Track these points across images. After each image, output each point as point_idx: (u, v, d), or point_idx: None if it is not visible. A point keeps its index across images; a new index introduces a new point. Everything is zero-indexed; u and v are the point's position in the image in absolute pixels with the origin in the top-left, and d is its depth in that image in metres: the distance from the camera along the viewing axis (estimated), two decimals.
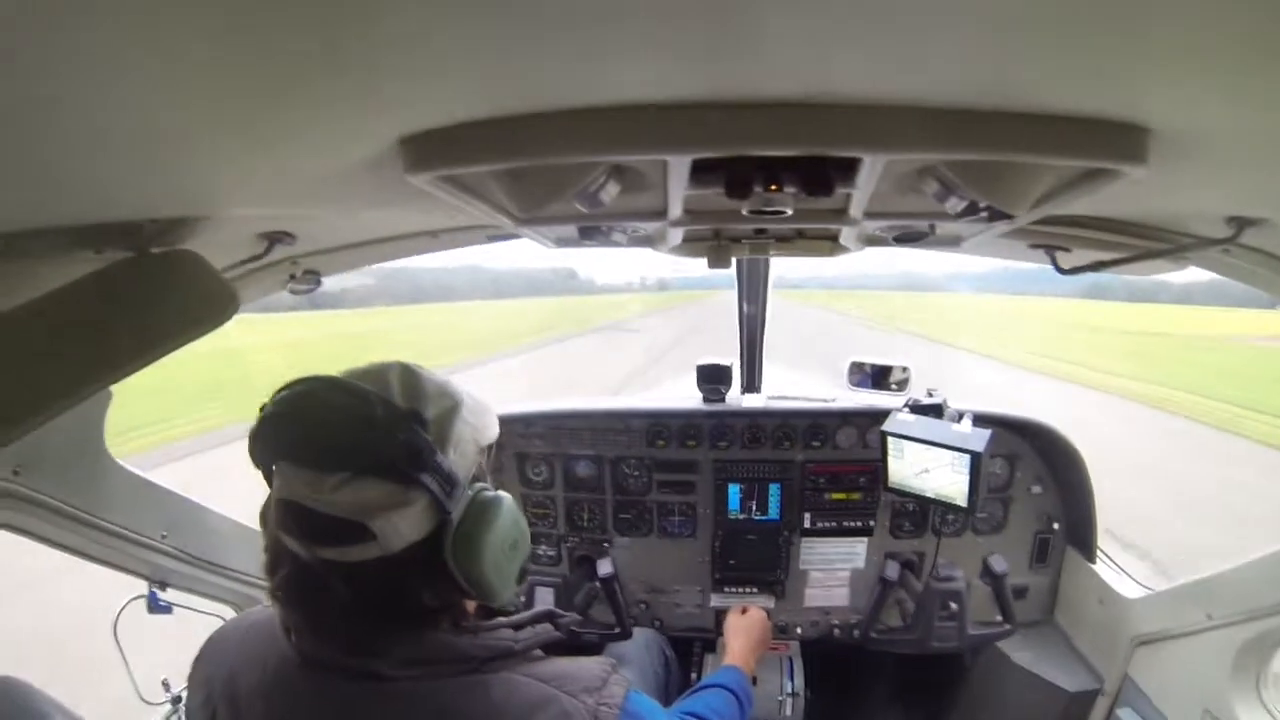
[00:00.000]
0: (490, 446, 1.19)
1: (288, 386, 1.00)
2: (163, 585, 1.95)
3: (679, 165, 1.03)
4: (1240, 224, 1.28)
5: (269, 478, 1.04)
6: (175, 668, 1.67)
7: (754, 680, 2.04)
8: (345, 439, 0.95)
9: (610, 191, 1.10)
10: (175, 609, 2.00)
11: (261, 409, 0.99)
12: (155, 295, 1.19)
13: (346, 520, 0.94)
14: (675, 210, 1.34)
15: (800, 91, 0.81)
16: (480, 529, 1.03)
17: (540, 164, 0.97)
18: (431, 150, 0.93)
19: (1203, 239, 1.42)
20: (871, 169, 1.03)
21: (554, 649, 1.18)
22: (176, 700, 1.97)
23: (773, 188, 1.06)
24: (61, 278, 1.12)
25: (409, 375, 1.07)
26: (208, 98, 0.71)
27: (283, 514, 0.98)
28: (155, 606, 1.94)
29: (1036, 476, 2.84)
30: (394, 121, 0.88)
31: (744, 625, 2.38)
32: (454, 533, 1.01)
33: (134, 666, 1.88)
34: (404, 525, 0.97)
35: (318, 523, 0.95)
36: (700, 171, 1.06)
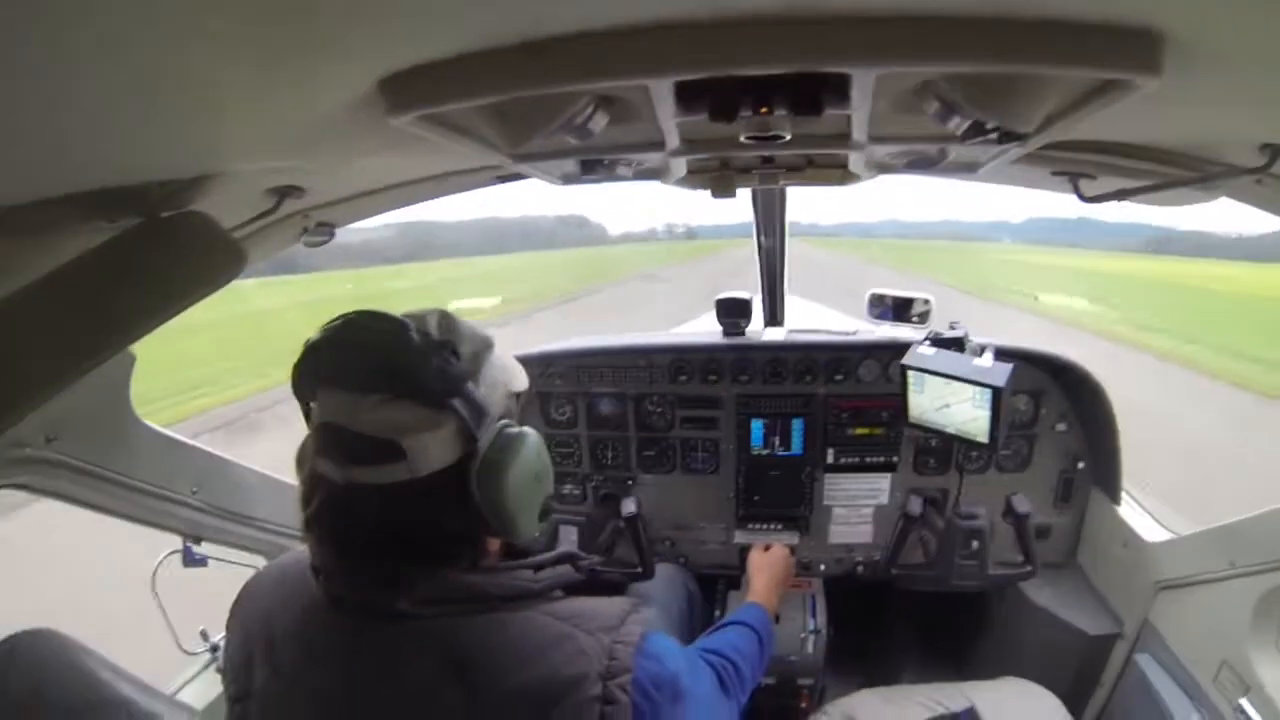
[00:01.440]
0: (518, 395, 1.22)
1: (332, 320, 1.05)
2: (196, 539, 2.02)
3: (661, 90, 1.01)
4: (1274, 152, 1.20)
5: (308, 413, 1.09)
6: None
7: (777, 618, 2.05)
8: (384, 362, 1.00)
9: (599, 122, 1.09)
10: (211, 562, 2.06)
11: (306, 342, 1.05)
12: (165, 257, 1.22)
13: (380, 439, 0.98)
14: (673, 140, 1.32)
15: (780, 5, 0.79)
16: (505, 458, 1.05)
17: (520, 96, 0.96)
18: (409, 90, 0.92)
19: (1234, 167, 1.35)
20: (862, 85, 0.99)
21: (576, 589, 1.19)
22: (215, 649, 2.05)
23: (762, 110, 1.04)
24: (77, 247, 1.16)
25: (446, 315, 1.11)
26: (190, 49, 0.70)
27: (321, 437, 1.03)
28: (190, 560, 2.01)
29: (1061, 414, 2.80)
30: (370, 62, 0.87)
31: (767, 562, 2.39)
32: (480, 460, 1.04)
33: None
34: (434, 447, 1.00)
35: (353, 442, 0.99)
36: (686, 98, 1.04)
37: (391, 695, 1.04)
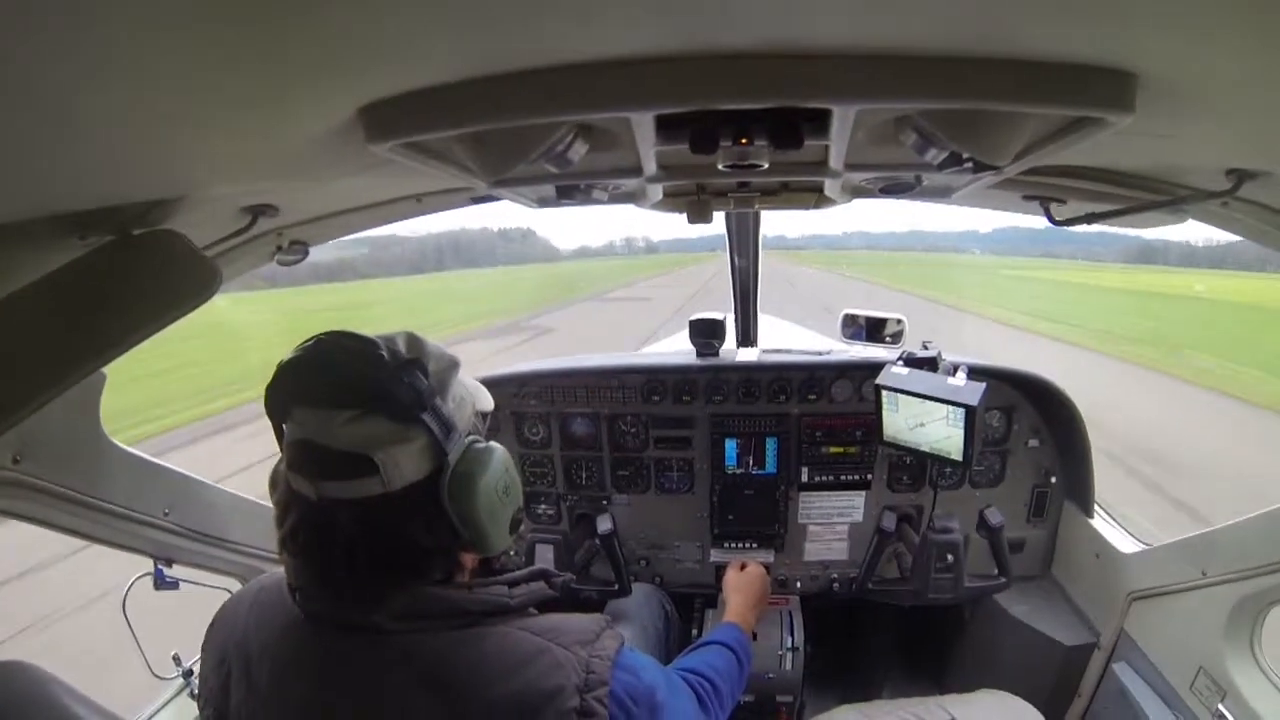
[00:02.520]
0: (485, 415, 1.25)
1: (305, 341, 1.08)
2: (168, 562, 1.98)
3: (642, 122, 1.02)
4: (1240, 177, 1.24)
5: (280, 433, 1.10)
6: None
7: (754, 636, 2.05)
8: (355, 379, 1.02)
9: (578, 150, 1.11)
10: (182, 585, 2.02)
11: (280, 362, 1.06)
12: (138, 276, 1.21)
13: (353, 454, 1.00)
14: (650, 167, 1.33)
15: (763, 42, 0.80)
16: (475, 471, 1.08)
17: (501, 127, 0.97)
18: (390, 119, 0.93)
19: (1201, 191, 1.39)
20: (842, 120, 1.01)
21: (553, 607, 1.21)
22: (188, 674, 2.01)
23: (742, 141, 1.05)
24: (48, 265, 1.14)
25: (413, 336, 1.14)
26: (170, 81, 0.70)
27: (294, 454, 1.05)
28: (161, 582, 1.97)
29: (1034, 429, 2.84)
30: (350, 91, 0.88)
31: (744, 582, 2.39)
32: (450, 474, 1.06)
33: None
34: (405, 461, 1.03)
35: (326, 458, 1.01)
36: (667, 127, 1.06)
37: (370, 710, 1.05)
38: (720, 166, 1.22)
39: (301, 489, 1.04)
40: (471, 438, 1.12)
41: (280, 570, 1.16)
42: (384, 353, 1.04)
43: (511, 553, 1.10)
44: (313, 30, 0.65)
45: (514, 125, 0.97)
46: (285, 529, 1.08)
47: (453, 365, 1.17)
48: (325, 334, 1.08)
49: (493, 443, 1.15)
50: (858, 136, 1.13)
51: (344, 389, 1.02)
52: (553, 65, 0.83)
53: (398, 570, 1.07)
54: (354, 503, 1.02)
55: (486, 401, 1.27)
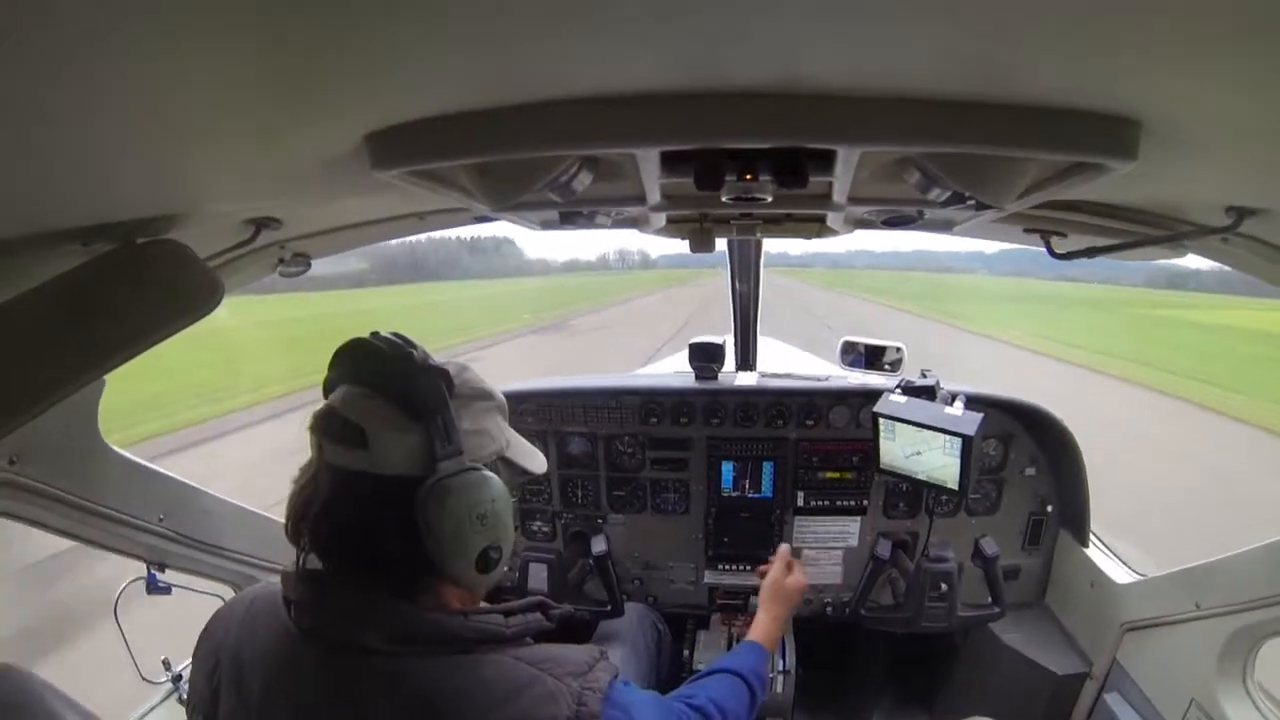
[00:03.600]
0: (522, 470, 1.29)
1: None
2: (161, 567, 1.97)
3: (648, 157, 1.03)
4: (1240, 213, 1.25)
5: None
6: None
7: None
8: (381, 364, 1.10)
9: (583, 181, 1.12)
10: (175, 590, 2.02)
11: (337, 349, 1.15)
12: (140, 286, 1.22)
13: (354, 423, 1.05)
14: (654, 197, 1.34)
15: (770, 82, 0.80)
16: (457, 486, 1.07)
17: (507, 158, 0.98)
18: (396, 147, 0.94)
19: (1201, 227, 1.39)
20: (847, 161, 1.02)
21: (544, 635, 1.20)
22: (177, 679, 2.00)
23: (747, 177, 1.06)
24: (49, 272, 1.15)
25: (463, 365, 1.24)
26: (178, 103, 0.71)
27: (317, 416, 1.11)
28: (154, 587, 1.96)
29: (1030, 458, 2.84)
30: (357, 120, 0.89)
31: (785, 593, 2.08)
32: (431, 480, 1.06)
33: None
34: (396, 449, 1.06)
35: (334, 422, 1.07)
36: (672, 161, 1.07)
37: None
38: (724, 199, 1.23)
39: (315, 450, 1.11)
40: (475, 463, 1.11)
41: (276, 582, 1.16)
42: (416, 354, 1.11)
43: (506, 568, 1.10)
44: (321, 58, 0.65)
45: (520, 156, 0.98)
46: (296, 486, 1.15)
47: (485, 397, 1.22)
48: (378, 331, 1.15)
49: (493, 475, 1.13)
50: (861, 174, 1.14)
51: (373, 370, 1.10)
52: (560, 98, 0.84)
53: (369, 567, 1.07)
54: (344, 471, 1.06)
55: (529, 462, 1.31)
